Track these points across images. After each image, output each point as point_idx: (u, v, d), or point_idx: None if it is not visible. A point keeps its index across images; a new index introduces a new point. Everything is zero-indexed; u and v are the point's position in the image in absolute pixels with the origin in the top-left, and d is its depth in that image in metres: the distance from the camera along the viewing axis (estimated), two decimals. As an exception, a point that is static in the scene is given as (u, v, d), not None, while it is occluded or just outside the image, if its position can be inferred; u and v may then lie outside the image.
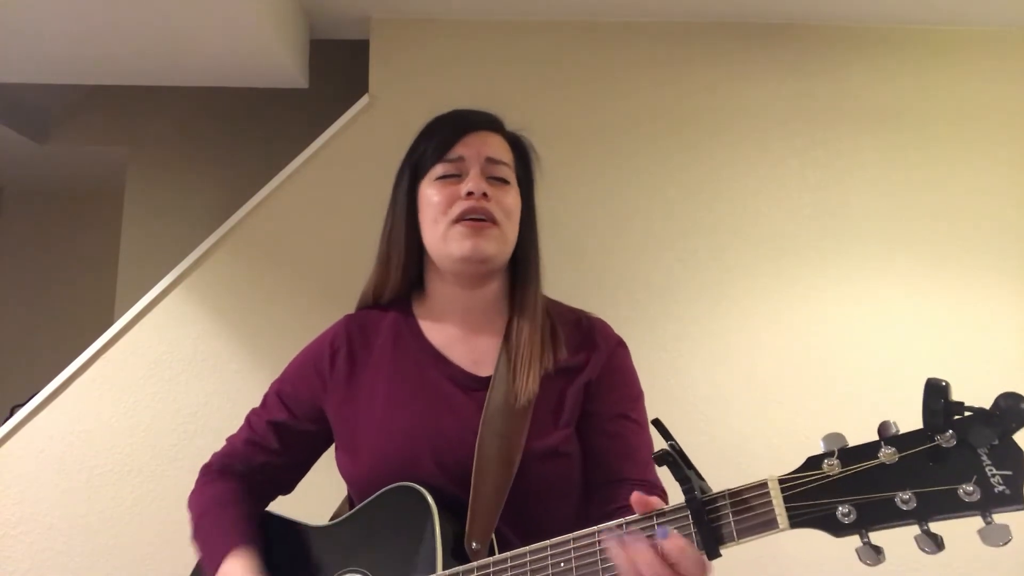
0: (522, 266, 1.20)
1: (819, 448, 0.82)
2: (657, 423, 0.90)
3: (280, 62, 2.40)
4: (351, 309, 1.27)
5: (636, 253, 2.49)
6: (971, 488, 0.72)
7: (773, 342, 2.46)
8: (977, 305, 2.50)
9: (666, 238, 2.51)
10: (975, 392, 2.55)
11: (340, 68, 2.73)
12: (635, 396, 1.20)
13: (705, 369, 2.44)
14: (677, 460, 0.83)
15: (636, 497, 0.88)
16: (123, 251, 3.06)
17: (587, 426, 1.14)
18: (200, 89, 2.82)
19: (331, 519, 1.23)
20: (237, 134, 3.06)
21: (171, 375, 2.34)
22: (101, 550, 2.24)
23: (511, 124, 1.25)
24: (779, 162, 2.56)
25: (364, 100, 2.51)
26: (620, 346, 1.21)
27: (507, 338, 1.15)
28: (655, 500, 0.88)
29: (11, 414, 2.55)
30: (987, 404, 0.75)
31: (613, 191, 2.52)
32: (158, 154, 3.10)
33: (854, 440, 0.81)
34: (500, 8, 2.53)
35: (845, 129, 2.58)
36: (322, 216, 2.46)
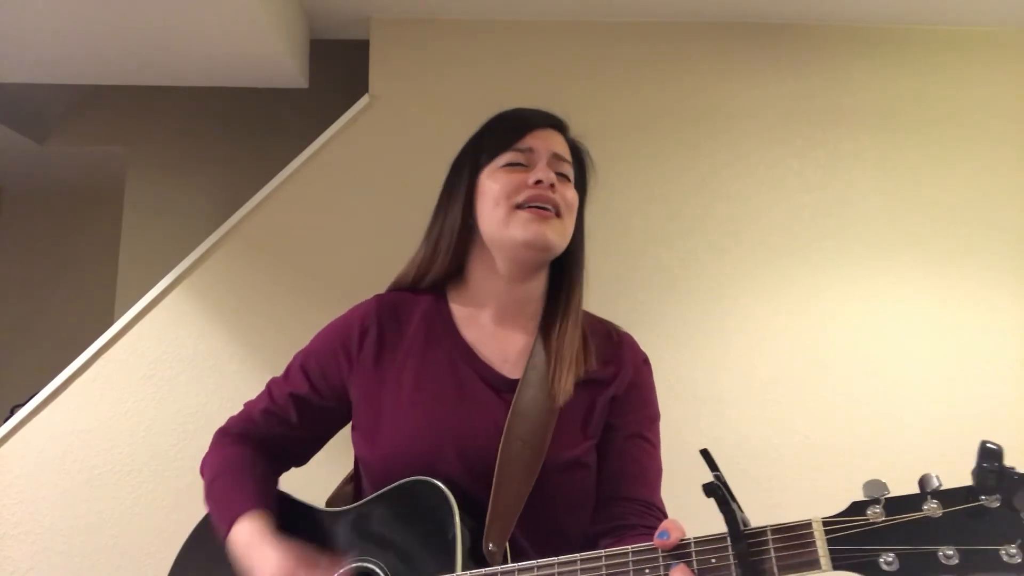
0: (569, 268, 1.21)
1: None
2: (705, 453, 0.89)
3: (280, 62, 2.40)
4: (351, 308, 1.25)
5: (637, 254, 2.49)
6: (1013, 550, 0.74)
7: (773, 342, 2.46)
8: (977, 304, 2.50)
9: (667, 239, 2.51)
10: (976, 391, 2.55)
11: (340, 68, 2.73)
12: (653, 417, 1.20)
13: (705, 369, 2.44)
14: (725, 493, 0.83)
15: (670, 523, 0.88)
16: (123, 251, 3.06)
17: (604, 440, 1.14)
18: (200, 89, 2.82)
19: (329, 500, 1.24)
20: (237, 134, 3.06)
21: (171, 375, 2.34)
22: (101, 550, 2.24)
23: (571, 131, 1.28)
24: (779, 162, 2.56)
25: (364, 100, 2.51)
26: (645, 364, 1.22)
27: (546, 338, 1.15)
28: (683, 528, 0.89)
29: (11, 414, 2.55)
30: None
31: (613, 191, 2.52)
32: (158, 154, 3.10)
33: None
34: (500, 8, 2.54)
35: (845, 129, 2.58)
36: (322, 216, 2.46)
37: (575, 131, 1.30)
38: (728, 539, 0.84)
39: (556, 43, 2.58)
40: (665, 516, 1.10)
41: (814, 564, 0.80)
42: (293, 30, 2.44)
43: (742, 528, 0.83)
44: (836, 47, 2.61)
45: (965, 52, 2.62)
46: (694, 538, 0.86)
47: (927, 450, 2.39)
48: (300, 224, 2.45)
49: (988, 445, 0.76)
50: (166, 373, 2.34)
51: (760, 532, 0.83)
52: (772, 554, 0.82)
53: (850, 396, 2.43)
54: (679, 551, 0.86)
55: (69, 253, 3.56)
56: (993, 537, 0.75)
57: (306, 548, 1.05)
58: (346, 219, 2.44)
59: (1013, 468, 0.76)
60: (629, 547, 0.89)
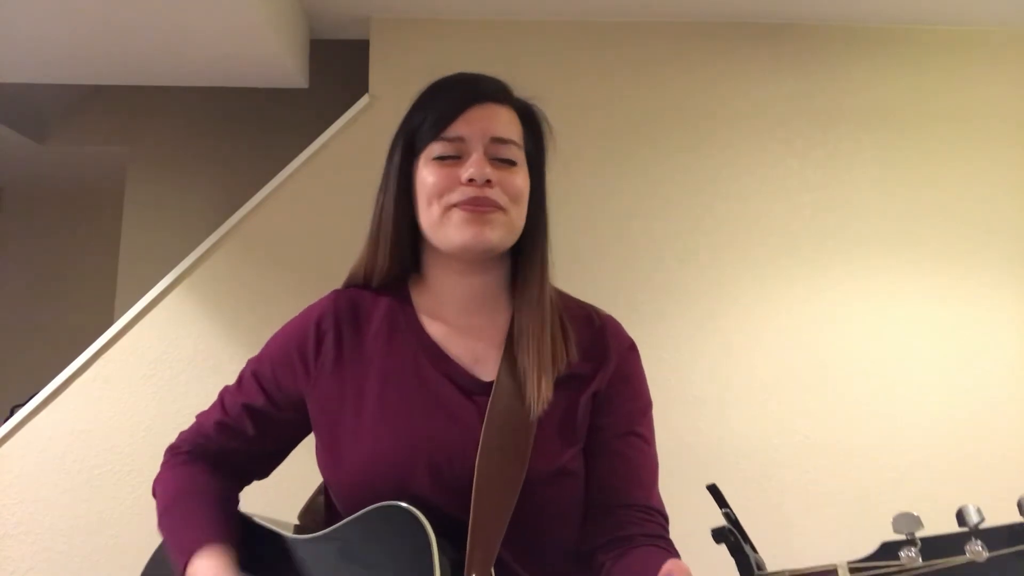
0: (527, 251, 1.06)
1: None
2: (713, 489, 0.82)
3: (280, 62, 2.40)
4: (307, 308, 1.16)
5: (636, 253, 2.49)
6: None
7: (773, 342, 2.46)
8: (977, 304, 2.50)
9: (666, 238, 2.51)
10: (975, 390, 2.55)
11: (340, 68, 2.73)
12: (644, 408, 1.08)
13: (705, 369, 2.44)
14: (737, 537, 0.77)
15: (673, 565, 0.81)
16: (123, 251, 3.06)
17: (592, 442, 1.03)
18: (200, 89, 2.82)
19: (301, 512, 1.16)
20: (237, 134, 3.06)
21: (171, 375, 2.34)
22: (101, 550, 2.24)
23: (521, 92, 1.13)
24: (779, 162, 2.56)
25: (364, 100, 2.51)
26: (631, 350, 1.09)
27: (511, 336, 1.03)
28: (689, 571, 0.81)
29: (11, 414, 2.55)
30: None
31: (613, 191, 2.52)
32: (158, 154, 3.10)
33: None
34: (500, 8, 2.54)
35: (845, 129, 2.58)
36: (322, 216, 2.46)
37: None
38: None
39: (556, 43, 2.58)
40: (664, 518, 1.03)
41: None
42: (293, 30, 2.44)
43: (756, 573, 0.76)
44: (836, 47, 2.61)
45: (965, 52, 2.62)
46: None
47: (927, 450, 2.39)
48: (300, 224, 2.45)
49: None
50: (166, 373, 2.34)
51: None
52: None
53: (850, 396, 2.43)
54: None
55: (69, 253, 3.56)
56: None
57: None
58: (346, 219, 2.43)
59: None
60: None
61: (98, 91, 3.11)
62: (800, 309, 2.48)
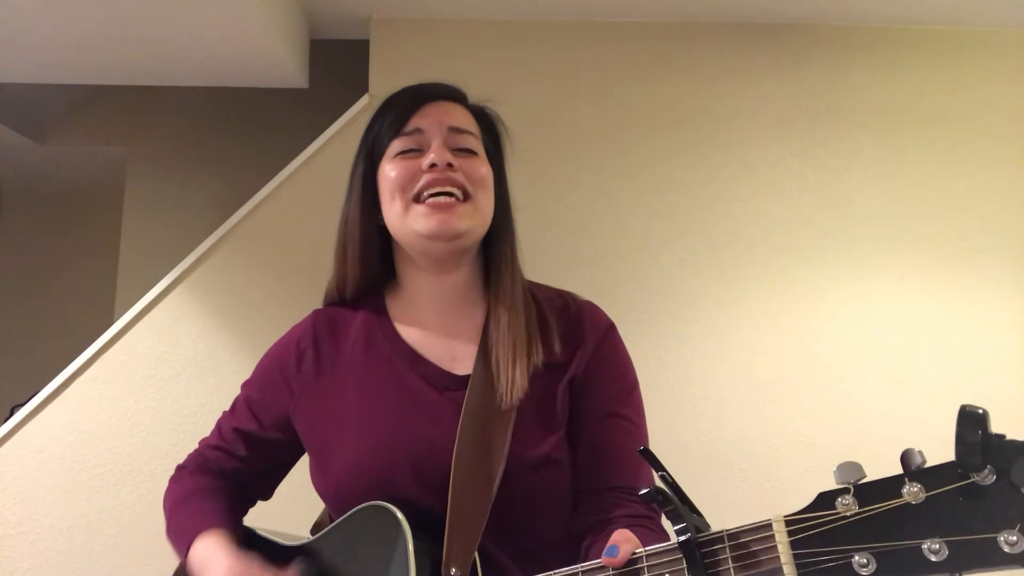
0: (496, 247, 1.08)
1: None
2: (646, 452, 0.79)
3: (280, 62, 2.40)
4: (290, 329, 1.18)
5: (636, 253, 2.49)
6: (1014, 537, 0.60)
7: (773, 341, 2.46)
8: (977, 304, 2.50)
9: (666, 238, 2.51)
10: (974, 391, 2.54)
11: (340, 68, 2.73)
12: (628, 389, 1.07)
13: (705, 369, 2.44)
14: (669, 497, 0.73)
15: (620, 536, 0.81)
16: (123, 251, 3.06)
17: (576, 427, 1.02)
18: (200, 89, 2.82)
19: (312, 529, 1.18)
20: (237, 134, 3.06)
21: (171, 375, 2.34)
22: (101, 550, 2.24)
23: (476, 99, 1.17)
24: (779, 162, 2.56)
25: (364, 100, 2.51)
26: (610, 331, 1.08)
27: (486, 330, 1.04)
28: (636, 539, 0.81)
29: (11, 414, 2.55)
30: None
31: (612, 191, 2.52)
32: (158, 154, 3.10)
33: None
34: (500, 8, 2.54)
35: (844, 129, 2.58)
36: (322, 216, 2.44)
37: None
38: (679, 550, 0.73)
39: (556, 43, 2.58)
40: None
41: (776, 573, 0.69)
42: (293, 30, 2.44)
43: (694, 536, 0.72)
44: (836, 47, 2.61)
45: (964, 52, 2.62)
46: (645, 551, 0.77)
47: (927, 450, 2.38)
48: (300, 224, 2.45)
49: (968, 409, 0.64)
50: (166, 373, 2.34)
51: (716, 539, 0.72)
52: (730, 564, 0.71)
53: (850, 396, 2.43)
54: (631, 567, 0.77)
55: (69, 253, 3.56)
56: (988, 522, 0.61)
57: (261, 564, 0.98)
58: (346, 219, 2.44)
59: (1002, 435, 0.64)
60: (579, 566, 0.81)
61: (98, 91, 3.11)
62: (800, 309, 2.48)
